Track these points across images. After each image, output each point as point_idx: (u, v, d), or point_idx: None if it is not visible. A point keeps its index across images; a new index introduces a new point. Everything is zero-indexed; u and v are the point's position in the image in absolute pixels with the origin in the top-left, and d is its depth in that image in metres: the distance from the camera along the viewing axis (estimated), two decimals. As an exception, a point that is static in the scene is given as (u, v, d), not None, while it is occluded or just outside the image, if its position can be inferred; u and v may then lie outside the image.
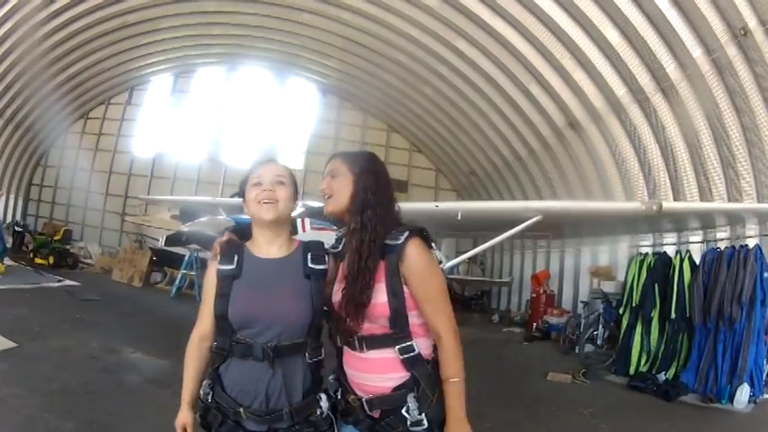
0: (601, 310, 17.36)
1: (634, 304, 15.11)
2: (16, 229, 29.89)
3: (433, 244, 3.63)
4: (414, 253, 3.38)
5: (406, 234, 3.40)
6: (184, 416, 3.51)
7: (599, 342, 16.71)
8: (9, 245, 25.59)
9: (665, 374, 13.71)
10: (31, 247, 28.07)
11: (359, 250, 3.41)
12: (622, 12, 16.65)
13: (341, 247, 3.70)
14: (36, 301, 16.02)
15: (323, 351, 3.58)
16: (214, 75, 35.41)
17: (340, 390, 3.60)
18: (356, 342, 3.46)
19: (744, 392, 11.93)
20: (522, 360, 17.18)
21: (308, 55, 31.11)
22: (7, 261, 21.78)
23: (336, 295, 3.52)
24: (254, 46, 31.60)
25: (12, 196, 31.69)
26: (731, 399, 12.04)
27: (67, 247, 28.17)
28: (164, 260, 24.08)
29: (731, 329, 12.44)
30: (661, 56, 16.51)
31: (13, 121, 27.48)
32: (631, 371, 14.52)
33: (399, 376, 3.39)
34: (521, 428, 9.81)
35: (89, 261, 29.87)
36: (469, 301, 29.82)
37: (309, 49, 30.10)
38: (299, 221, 13.61)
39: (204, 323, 3.54)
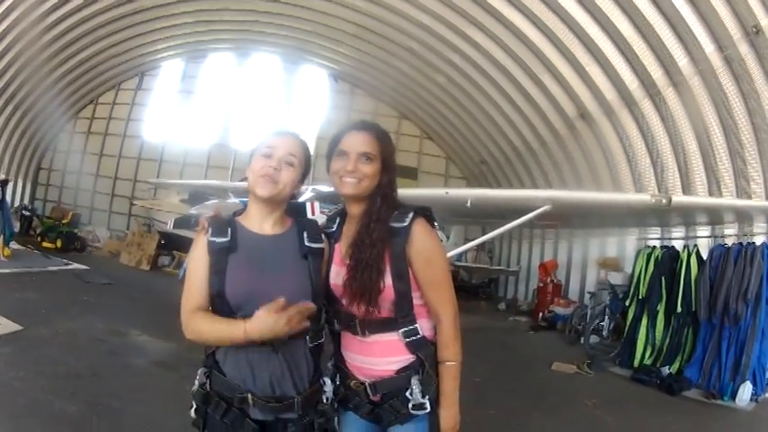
0: (607, 302, 17.39)
1: (640, 297, 15.12)
2: (24, 213, 29.83)
3: (435, 224, 3.59)
4: (420, 234, 3.33)
5: (411, 215, 3.36)
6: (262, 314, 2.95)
7: (604, 333, 16.72)
8: (17, 229, 25.63)
9: (669, 368, 13.70)
10: (38, 231, 28.13)
11: (368, 237, 3.33)
12: (636, 5, 16.59)
13: (335, 227, 3.63)
14: (43, 285, 16.07)
15: (323, 335, 3.47)
16: (225, 60, 35.37)
17: (338, 376, 3.53)
18: (358, 326, 3.41)
19: (746, 390, 11.92)
20: (528, 349, 17.24)
21: (320, 41, 31.01)
22: (15, 245, 21.82)
23: (336, 279, 3.42)
24: (265, 32, 31.53)
25: (20, 181, 31.72)
26: (733, 396, 12.04)
27: (75, 230, 28.40)
28: (172, 244, 24.04)
29: (736, 326, 12.43)
30: (674, 50, 16.45)
31: (23, 106, 27.49)
32: (636, 363, 14.51)
33: (404, 359, 3.37)
34: (524, 417, 9.79)
35: (97, 245, 29.97)
36: (477, 288, 29.90)
37: (321, 35, 30.01)
38: (308, 205, 13.62)
39: (197, 296, 3.19)
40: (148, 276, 22.38)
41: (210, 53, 35.01)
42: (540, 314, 21.86)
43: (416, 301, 3.38)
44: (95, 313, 13.30)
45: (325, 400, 3.34)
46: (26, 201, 32.78)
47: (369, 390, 3.39)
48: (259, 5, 28.26)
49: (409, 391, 3.30)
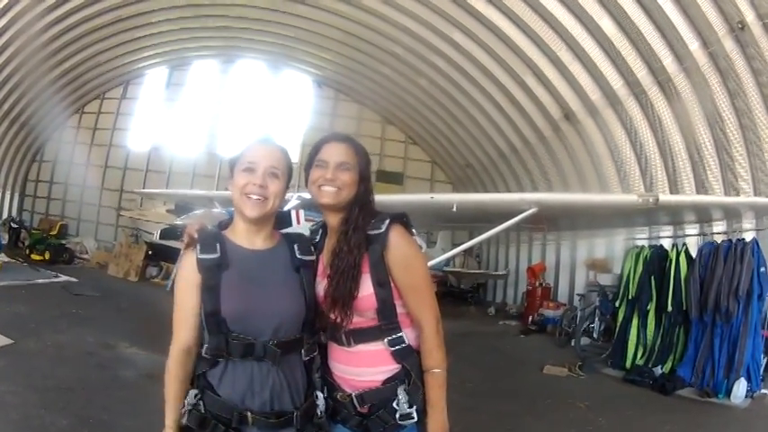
0: (597, 303, 17.41)
1: (630, 297, 15.17)
2: (12, 225, 29.82)
3: (413, 230, 3.56)
4: (397, 240, 3.32)
5: (388, 222, 3.34)
6: None
7: (595, 335, 16.79)
8: (5, 241, 25.62)
9: (662, 368, 13.72)
10: (27, 243, 28.03)
11: (345, 244, 3.33)
12: (619, 3, 16.63)
13: (318, 238, 3.65)
14: (32, 298, 16.04)
15: (317, 348, 3.40)
16: (209, 67, 35.36)
17: (326, 388, 3.44)
18: (343, 336, 3.38)
19: (741, 387, 11.93)
20: (518, 353, 17.23)
21: (304, 47, 31.05)
22: (3, 257, 21.78)
23: (318, 289, 3.41)
24: (249, 38, 31.61)
25: (8, 192, 31.66)
26: (728, 393, 12.04)
27: (63, 242, 28.38)
28: (159, 254, 23.90)
29: (728, 324, 12.45)
30: (658, 48, 16.52)
31: (9, 116, 27.39)
32: (628, 364, 14.54)
33: (390, 369, 3.33)
34: (517, 421, 9.80)
35: (85, 256, 29.89)
36: (465, 293, 29.98)
37: (305, 41, 30.04)
38: (293, 213, 13.61)
39: (185, 332, 3.19)
40: (136, 287, 22.37)
41: (195, 60, 34.98)
42: (530, 317, 21.86)
43: (400, 309, 3.35)
44: (84, 326, 13.29)
45: (319, 414, 3.29)
46: (14, 213, 32.71)
47: (356, 401, 3.35)
48: (243, 12, 28.25)
49: (396, 401, 3.26)
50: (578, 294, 20.27)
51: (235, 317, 3.09)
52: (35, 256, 25.83)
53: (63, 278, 21.02)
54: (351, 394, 3.36)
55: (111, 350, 11.47)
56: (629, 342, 14.76)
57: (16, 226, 30.01)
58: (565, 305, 21.10)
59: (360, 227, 3.35)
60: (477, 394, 11.00)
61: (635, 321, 14.85)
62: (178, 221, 19.27)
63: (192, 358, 3.20)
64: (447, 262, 23.66)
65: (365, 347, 3.35)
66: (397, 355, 3.32)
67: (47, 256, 25.91)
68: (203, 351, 3.17)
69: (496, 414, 9.94)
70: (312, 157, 3.52)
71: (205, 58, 34.86)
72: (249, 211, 3.23)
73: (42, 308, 14.83)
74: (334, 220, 3.49)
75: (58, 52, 26.28)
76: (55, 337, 11.69)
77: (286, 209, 12.41)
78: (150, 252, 24.61)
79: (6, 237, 27.42)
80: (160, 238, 19.77)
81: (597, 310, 17.09)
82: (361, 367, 3.37)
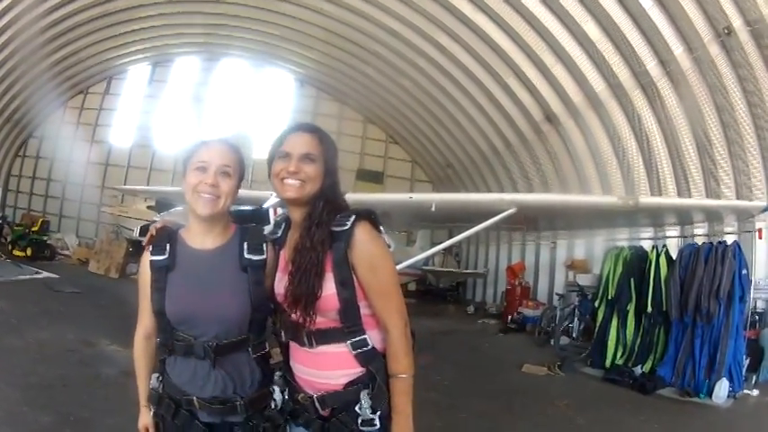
0: (576, 303, 17.48)
1: (610, 297, 15.22)
2: (-5, 221, 29.65)
3: (381, 228, 3.36)
4: (362, 238, 3.16)
5: (353, 218, 3.17)
6: (144, 418, 3.38)
7: (574, 334, 16.86)
8: (-12, 237, 25.56)
9: (642, 368, 13.79)
10: (9, 239, 27.94)
11: (308, 241, 3.17)
12: (603, 7, 16.69)
13: (280, 232, 3.52)
14: (14, 294, 16.09)
15: (266, 345, 3.40)
16: (192, 64, 35.40)
17: (287, 389, 3.37)
18: (305, 337, 3.23)
19: (723, 387, 12.02)
20: (498, 352, 17.27)
21: (287, 45, 31.07)
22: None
23: (279, 287, 3.30)
24: (232, 35, 31.64)
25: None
26: (710, 393, 12.13)
27: (45, 238, 28.27)
28: (140, 251, 23.84)
29: (709, 324, 12.53)
30: (642, 52, 16.59)
31: (-10, 111, 27.26)
32: (607, 363, 14.57)
33: (353, 372, 3.18)
34: (495, 420, 9.83)
35: (66, 252, 29.93)
36: (445, 292, 30.24)
37: (289, 39, 30.06)
38: (271, 211, 13.58)
39: (146, 319, 3.39)
40: (117, 284, 22.25)
41: (178, 57, 34.95)
42: (509, 316, 21.98)
43: (365, 310, 3.20)
44: (66, 323, 13.31)
45: (273, 407, 3.30)
46: (-3, 208, 32.48)
47: (317, 403, 3.22)
48: (227, 9, 28.26)
49: (359, 405, 3.11)
50: (557, 294, 20.30)
51: (177, 318, 3.20)
52: (17, 252, 25.81)
53: (44, 274, 21.06)
54: (312, 396, 3.25)
55: (92, 347, 11.48)
56: (609, 342, 14.80)
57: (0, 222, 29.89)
58: (544, 304, 21.19)
59: (323, 222, 3.19)
60: (456, 393, 11.06)
61: (614, 321, 14.91)
62: (156, 218, 19.27)
63: (152, 343, 3.42)
64: (426, 260, 23.69)
65: (327, 349, 3.22)
66: (361, 358, 3.19)
67: (29, 252, 25.97)
68: (157, 343, 3.38)
69: (475, 413, 9.96)
70: (275, 149, 3.38)
71: (188, 55, 34.88)
72: (201, 209, 3.24)
73: (24, 304, 14.86)
74: (297, 214, 3.35)
75: (43, 47, 26.15)
76: (36, 333, 11.69)
77: (265, 206, 12.43)
78: (131, 249, 24.59)
79: (-11, 232, 27.33)
80: (140, 235, 19.74)
81: (576, 310, 17.17)
82: (324, 370, 3.24)
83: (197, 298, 3.18)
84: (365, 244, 3.15)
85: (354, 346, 3.16)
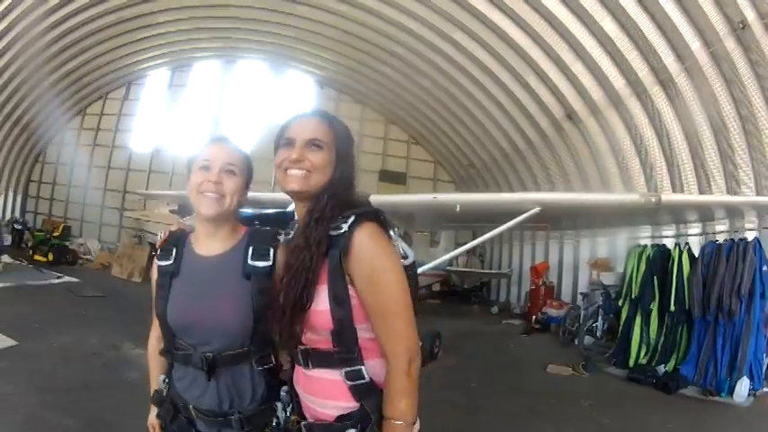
0: (600, 302, 17.37)
1: (633, 296, 15.13)
2: (15, 226, 29.93)
3: (392, 231, 2.89)
4: (362, 244, 2.67)
5: (352, 219, 2.70)
6: (152, 417, 3.33)
7: (598, 334, 16.74)
8: (8, 242, 25.64)
9: (665, 367, 13.68)
10: (30, 244, 28.11)
11: (303, 239, 2.78)
12: (620, 3, 16.61)
13: (293, 233, 3.06)
14: (36, 299, 16.14)
15: (272, 358, 3.14)
16: (211, 68, 35.46)
17: (290, 406, 3.02)
18: (299, 355, 2.87)
19: (743, 386, 11.93)
20: (522, 352, 17.17)
21: (305, 47, 31.07)
22: (7, 258, 21.82)
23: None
24: (250, 39, 31.66)
25: (10, 193, 31.73)
26: (731, 392, 12.04)
27: (66, 243, 28.37)
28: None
29: (730, 322, 12.45)
30: (659, 48, 16.49)
31: (11, 117, 27.42)
32: (631, 363, 14.51)
33: (345, 406, 2.74)
34: (520, 420, 9.81)
35: (88, 257, 29.96)
36: (469, 292, 29.93)
37: (306, 41, 30.06)
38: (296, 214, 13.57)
39: (156, 322, 3.27)
40: (140, 288, 22.20)
41: (196, 61, 35.07)
42: (534, 317, 21.80)
43: (365, 334, 2.74)
44: (89, 326, 13.33)
45: (275, 424, 3.06)
46: (17, 213, 32.81)
47: (303, 431, 2.85)
48: (243, 13, 28.33)
49: None
50: (581, 293, 20.13)
51: (177, 327, 3.08)
52: (38, 258, 25.86)
53: (66, 279, 21.15)
54: (300, 422, 2.89)
55: (115, 351, 11.50)
56: (633, 341, 14.73)
57: (19, 227, 30.10)
58: (568, 304, 21.03)
59: (325, 219, 2.76)
60: (480, 393, 11.03)
61: (638, 320, 14.83)
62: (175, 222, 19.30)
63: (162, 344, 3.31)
64: (450, 261, 23.61)
65: (322, 374, 2.81)
66: (356, 392, 2.73)
67: (50, 257, 25.99)
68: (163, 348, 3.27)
69: (500, 413, 9.96)
70: (279, 136, 3.03)
71: (206, 59, 34.97)
72: (205, 209, 3.06)
73: (46, 309, 14.89)
74: (302, 210, 2.97)
75: (61, 53, 26.32)
76: (59, 337, 11.74)
77: (289, 209, 12.38)
78: (154, 253, 24.66)
79: (9, 238, 27.45)
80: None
81: (600, 310, 17.04)
82: (316, 396, 2.85)
83: (195, 306, 3.03)
84: (365, 251, 2.68)
85: (348, 377, 2.74)
